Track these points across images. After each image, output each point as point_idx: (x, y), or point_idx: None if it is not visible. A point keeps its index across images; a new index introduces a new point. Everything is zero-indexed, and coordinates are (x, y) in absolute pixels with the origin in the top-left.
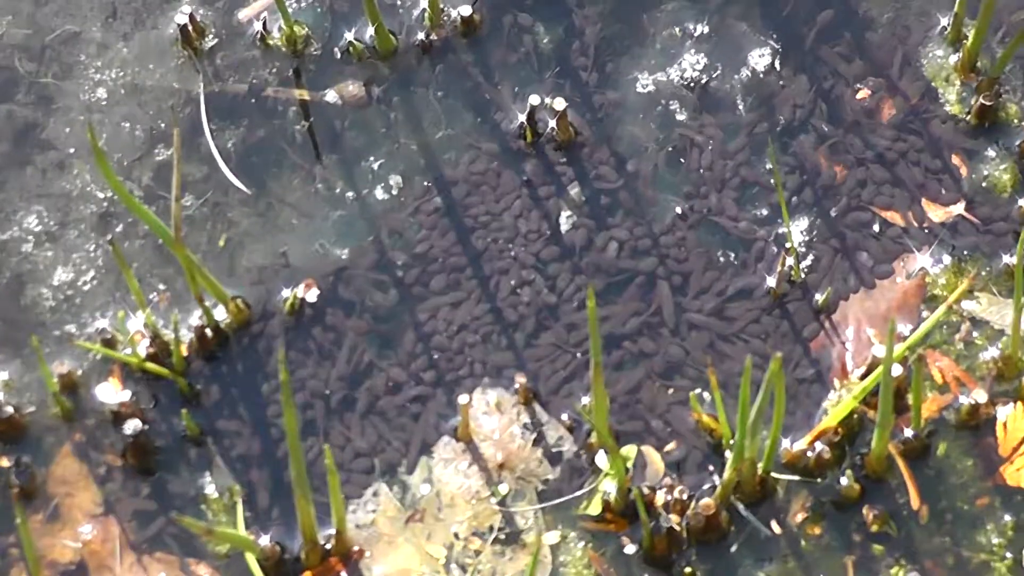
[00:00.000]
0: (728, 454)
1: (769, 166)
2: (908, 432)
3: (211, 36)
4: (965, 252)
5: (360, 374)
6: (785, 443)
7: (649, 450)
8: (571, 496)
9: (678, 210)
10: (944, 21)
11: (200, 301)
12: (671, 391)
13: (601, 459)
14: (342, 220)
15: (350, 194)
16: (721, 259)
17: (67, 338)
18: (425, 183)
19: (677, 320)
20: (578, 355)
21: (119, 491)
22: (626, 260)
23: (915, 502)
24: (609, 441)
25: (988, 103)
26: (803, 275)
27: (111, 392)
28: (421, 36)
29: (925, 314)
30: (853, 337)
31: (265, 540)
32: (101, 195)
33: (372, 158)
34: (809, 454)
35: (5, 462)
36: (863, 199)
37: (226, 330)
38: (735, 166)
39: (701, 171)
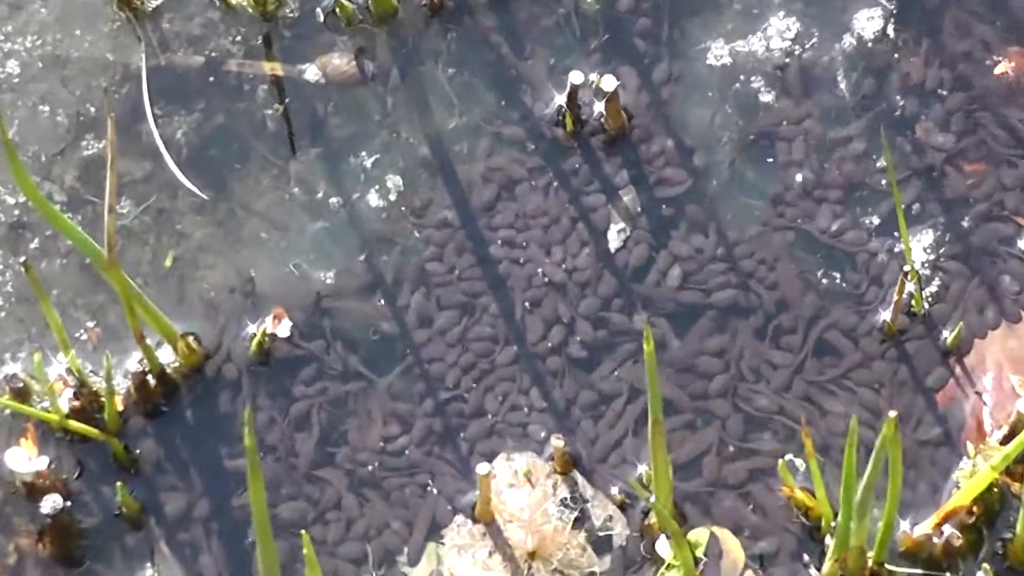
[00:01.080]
0: (829, 541)
1: (882, 163)
2: None
3: None
4: None
5: (348, 435)
6: (903, 526)
7: (725, 535)
8: None
9: (762, 221)
10: None
11: (140, 339)
12: (753, 458)
13: (663, 547)
14: (325, 234)
15: (335, 200)
16: (819, 284)
17: None
18: (432, 186)
19: (760, 365)
20: (631, 411)
21: None
22: (693, 289)
23: None
24: (673, 523)
25: None
26: (927, 305)
27: (23, 458)
28: None
29: None
30: (992, 387)
31: None
32: (11, 201)
33: (364, 153)
34: (935, 540)
35: None
36: (1006, 207)
37: (173, 377)
38: (837, 162)
39: (792, 169)
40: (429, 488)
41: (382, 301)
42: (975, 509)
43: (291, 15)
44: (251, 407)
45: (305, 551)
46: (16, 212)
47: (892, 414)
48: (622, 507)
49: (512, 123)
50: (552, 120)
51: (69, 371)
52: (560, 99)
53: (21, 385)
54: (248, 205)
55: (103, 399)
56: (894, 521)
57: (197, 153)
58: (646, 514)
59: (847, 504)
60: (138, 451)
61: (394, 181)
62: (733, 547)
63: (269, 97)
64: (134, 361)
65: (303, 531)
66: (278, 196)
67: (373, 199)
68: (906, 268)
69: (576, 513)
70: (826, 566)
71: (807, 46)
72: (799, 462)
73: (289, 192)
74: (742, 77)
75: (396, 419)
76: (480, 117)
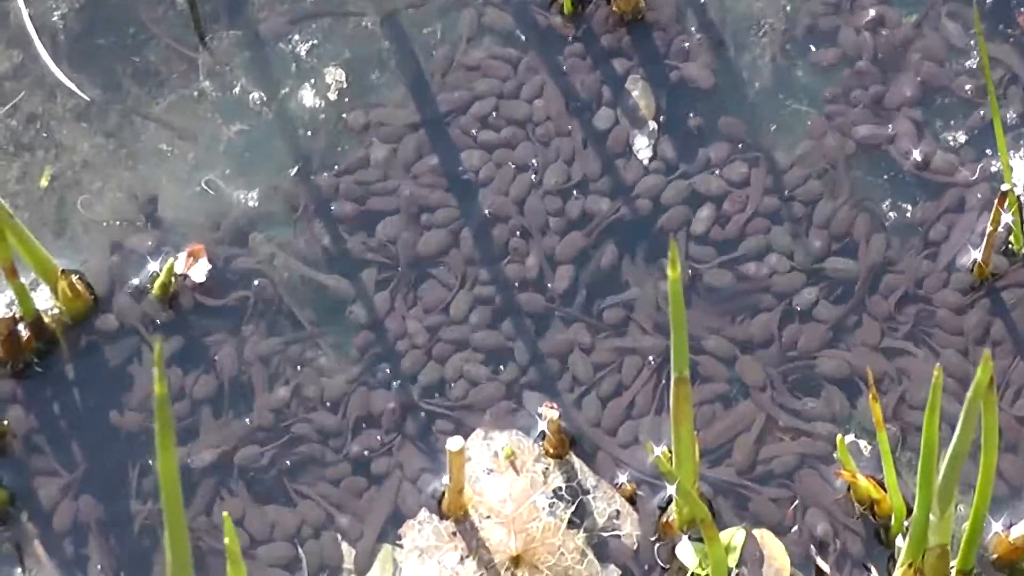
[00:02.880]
0: (901, 543)
1: (973, 60)
2: None
3: None
4: None
5: (281, 406)
6: (996, 525)
7: (767, 536)
8: None
9: (815, 134)
10: None
11: (11, 275)
12: (803, 437)
13: (685, 551)
14: (246, 141)
15: (257, 97)
16: (891, 215)
17: None
18: (385, 83)
19: (810, 313)
20: (647, 368)
21: None
22: (727, 224)
23: None
24: (702, 507)
25: None
26: None
27: None
28: None
29: None
30: None
31: None
32: None
33: (296, 37)
34: None
35: None
36: None
37: (52, 326)
38: (916, 60)
39: (856, 65)
40: (385, 476)
41: (320, 230)
42: None
43: None
44: (162, 363)
45: (227, 541)
46: None
47: (990, 361)
48: (632, 500)
49: (494, 2)
50: (546, 0)
51: None
52: None
53: None
54: (146, 108)
55: None
56: (984, 518)
57: (79, 41)
58: (663, 509)
59: (925, 489)
60: (4, 423)
61: (335, 75)
62: (776, 553)
63: None
64: (0, 305)
65: (225, 515)
66: (184, 96)
67: (307, 97)
68: (1004, 188)
69: (573, 508)
70: (897, 575)
71: None
72: (863, 443)
73: (198, 90)
74: None
75: (339, 383)
76: None
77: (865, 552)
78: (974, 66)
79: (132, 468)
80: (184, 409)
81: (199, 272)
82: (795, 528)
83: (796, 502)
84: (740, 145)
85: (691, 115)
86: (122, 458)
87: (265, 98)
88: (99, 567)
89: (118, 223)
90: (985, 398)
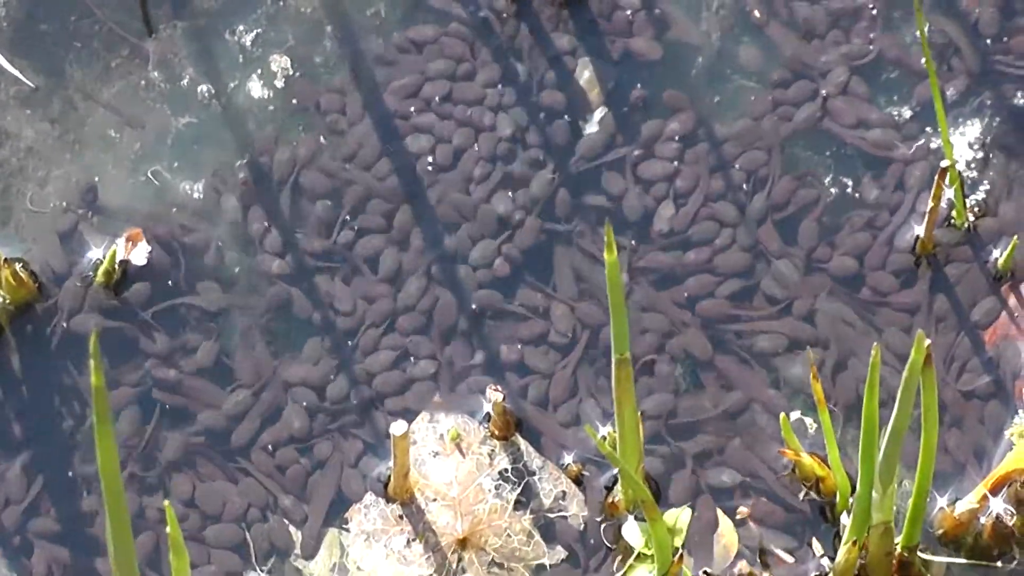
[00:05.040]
0: (845, 519)
1: (917, 33)
2: None
3: None
4: None
5: (225, 388)
6: (940, 501)
7: (714, 515)
8: None
9: (761, 103)
10: None
11: None
12: (746, 414)
13: (631, 531)
14: (192, 131)
15: (205, 87)
16: (835, 190)
17: None
18: (331, 68)
19: (755, 294)
20: (590, 349)
21: None
22: (668, 190)
23: None
24: (644, 490)
25: None
26: (971, 217)
27: None
28: None
29: None
30: None
31: None
32: None
33: (242, 26)
34: (981, 519)
35: None
36: None
37: None
38: (862, 30)
39: (804, 40)
40: (328, 458)
41: (265, 221)
42: None
43: None
44: (97, 348)
45: (169, 530)
46: None
47: (925, 341)
48: (578, 481)
49: None
50: None
51: None
52: None
53: None
54: (91, 95)
55: None
56: (927, 493)
57: (23, 27)
58: (609, 489)
59: (867, 465)
60: None
61: (281, 63)
62: (725, 530)
63: None
64: None
65: (166, 503)
66: (131, 84)
67: (254, 87)
68: (944, 164)
69: (519, 489)
70: (841, 553)
71: None
72: (808, 420)
73: (145, 78)
74: None
75: (283, 368)
76: None
77: (809, 530)
78: (918, 38)
79: (78, 457)
80: (129, 394)
81: (139, 255)
82: (743, 506)
83: (744, 478)
84: (688, 118)
85: (633, 85)
86: (68, 447)
87: (212, 89)
88: (44, 555)
89: (63, 211)
90: (924, 376)
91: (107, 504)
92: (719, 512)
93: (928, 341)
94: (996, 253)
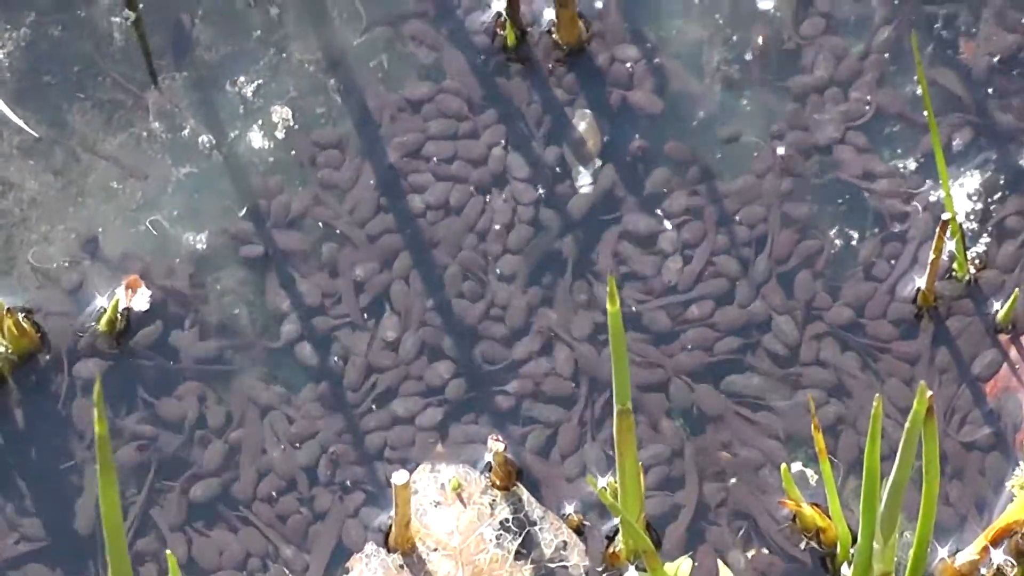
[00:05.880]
0: (846, 570)
1: (918, 89)
2: None
3: None
4: None
5: (226, 439)
6: (942, 552)
7: (717, 563)
8: None
9: (764, 158)
10: None
11: None
12: (748, 467)
13: None
14: (194, 182)
15: (206, 138)
16: (838, 241)
17: None
18: (333, 121)
19: (756, 346)
20: (592, 401)
21: None
22: (668, 236)
23: None
24: (645, 539)
25: None
26: (972, 269)
27: None
28: None
29: None
30: None
31: None
32: None
33: (243, 76)
34: (983, 571)
35: None
36: None
37: (0, 365)
38: (862, 86)
39: (804, 93)
40: (330, 508)
41: (271, 271)
42: None
43: None
44: (101, 395)
45: None
46: None
47: (927, 392)
48: (579, 531)
49: (435, 36)
50: (487, 31)
51: None
52: (498, 2)
53: None
54: (93, 146)
55: None
56: (928, 544)
57: (26, 78)
58: (611, 539)
59: (868, 516)
60: None
61: (282, 114)
62: None
63: (117, 1)
64: None
65: (168, 553)
66: (132, 135)
67: (255, 138)
68: (944, 217)
69: (520, 539)
70: None
71: None
72: (809, 472)
73: (147, 129)
74: None
75: (286, 417)
76: (394, 30)
77: None
78: (919, 93)
79: (84, 507)
80: (141, 429)
81: (140, 301)
82: (744, 554)
83: (744, 527)
84: (686, 175)
85: (632, 137)
86: (71, 498)
87: (213, 140)
88: None
89: (66, 261)
90: (925, 427)
91: (109, 552)
92: (719, 563)
93: (930, 393)
94: (997, 305)
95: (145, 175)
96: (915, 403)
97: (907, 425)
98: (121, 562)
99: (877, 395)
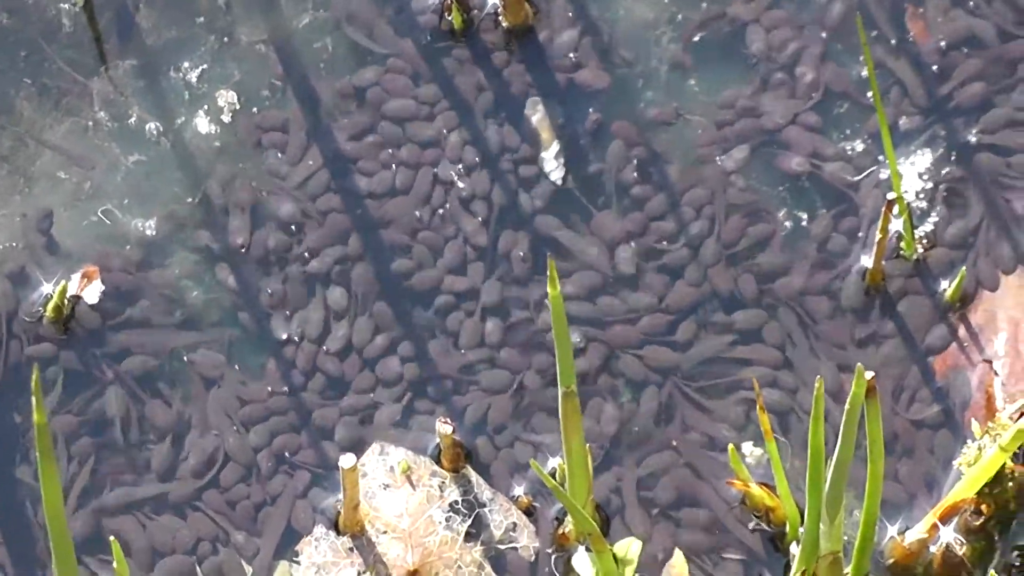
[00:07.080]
0: (795, 549)
1: (865, 69)
2: None
3: None
4: None
5: (176, 423)
6: (891, 530)
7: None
8: None
9: (711, 137)
10: None
11: None
12: (696, 446)
13: (581, 562)
14: (142, 169)
15: (154, 125)
16: (786, 222)
17: None
18: (279, 104)
19: (704, 320)
20: (539, 382)
21: None
22: (619, 223)
23: None
24: (591, 523)
25: None
26: (920, 248)
27: None
28: None
29: None
30: (1005, 350)
31: None
32: None
33: (188, 62)
34: (932, 548)
35: None
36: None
37: None
38: (811, 65)
39: (752, 71)
40: (282, 491)
41: (219, 255)
42: (984, 507)
43: None
44: (38, 382)
45: (116, 566)
46: None
47: (866, 374)
48: (528, 512)
49: (381, 19)
50: (432, 13)
51: None
52: None
53: None
54: (39, 134)
55: None
56: (876, 522)
57: None
58: (560, 521)
59: (814, 496)
60: None
61: (227, 98)
62: (675, 562)
63: None
64: None
65: (112, 539)
66: (79, 123)
67: (202, 122)
68: (890, 196)
69: (469, 521)
70: None
71: None
72: (755, 447)
73: (93, 117)
74: None
75: (236, 403)
76: (342, 13)
77: (756, 560)
78: (865, 74)
79: (25, 490)
80: (86, 417)
81: (92, 294)
82: (690, 536)
83: (692, 508)
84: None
85: (582, 121)
86: (12, 481)
87: (160, 126)
88: None
89: (13, 247)
90: (868, 408)
91: (52, 541)
92: (673, 545)
93: (871, 374)
94: (945, 284)
95: (92, 165)
96: (854, 385)
97: (847, 407)
98: (65, 551)
99: (819, 376)
